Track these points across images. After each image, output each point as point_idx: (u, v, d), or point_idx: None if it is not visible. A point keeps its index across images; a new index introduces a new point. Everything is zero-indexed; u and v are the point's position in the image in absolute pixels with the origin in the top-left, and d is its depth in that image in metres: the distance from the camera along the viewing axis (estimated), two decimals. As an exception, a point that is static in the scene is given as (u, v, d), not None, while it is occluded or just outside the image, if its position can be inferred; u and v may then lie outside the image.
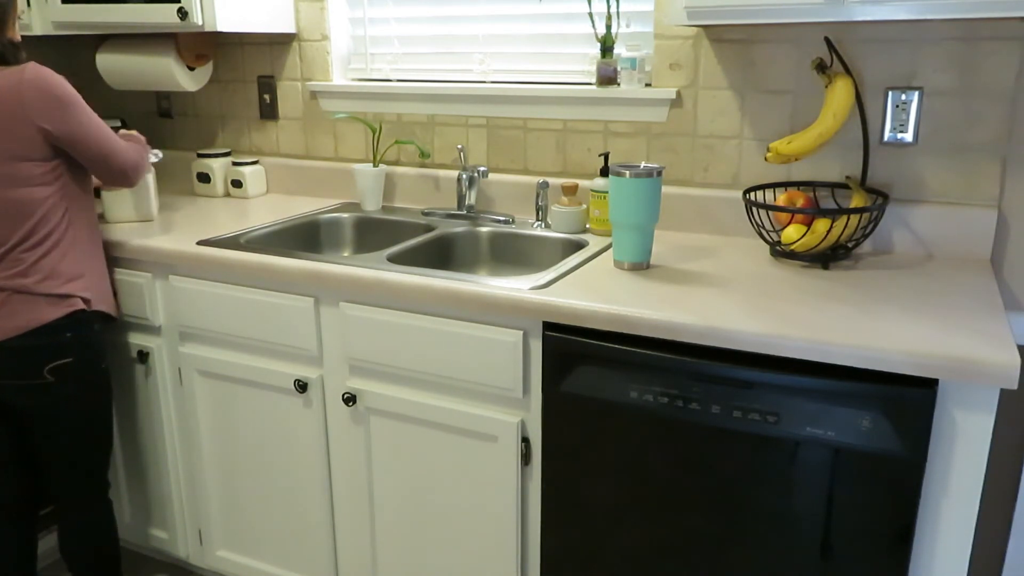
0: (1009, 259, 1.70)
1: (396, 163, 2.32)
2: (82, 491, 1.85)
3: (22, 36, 1.75)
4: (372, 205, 2.25)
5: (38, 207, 1.65)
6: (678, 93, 1.92)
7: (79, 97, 1.68)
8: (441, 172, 2.24)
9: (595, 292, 1.50)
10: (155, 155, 2.06)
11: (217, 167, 2.46)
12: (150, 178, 2.10)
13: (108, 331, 1.98)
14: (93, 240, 1.78)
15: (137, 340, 2.00)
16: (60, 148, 1.67)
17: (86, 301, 1.72)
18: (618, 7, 1.94)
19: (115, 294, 1.94)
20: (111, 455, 1.90)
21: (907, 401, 1.24)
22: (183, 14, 2.04)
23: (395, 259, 1.78)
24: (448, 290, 1.55)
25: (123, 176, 1.79)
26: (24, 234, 1.64)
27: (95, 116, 1.71)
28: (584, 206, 1.97)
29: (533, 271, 1.69)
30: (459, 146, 2.14)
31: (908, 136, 1.73)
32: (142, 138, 1.97)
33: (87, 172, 1.77)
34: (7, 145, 1.61)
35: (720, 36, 1.85)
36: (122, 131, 1.98)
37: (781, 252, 1.71)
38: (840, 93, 1.67)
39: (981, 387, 1.21)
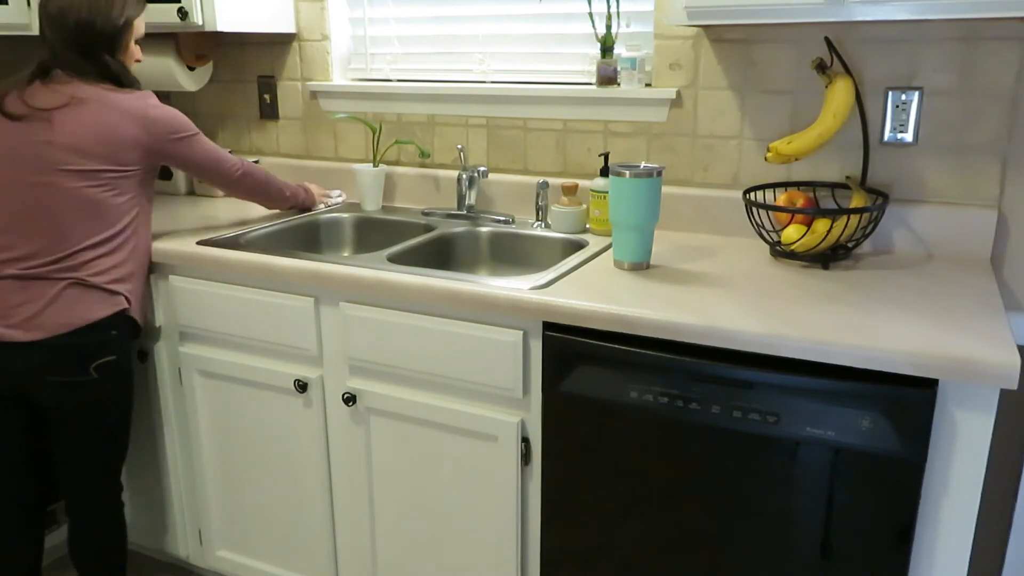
0: (1009, 259, 1.70)
1: (396, 163, 2.32)
2: (100, 492, 1.86)
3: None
4: (372, 205, 2.25)
5: (115, 211, 1.71)
6: (678, 93, 1.92)
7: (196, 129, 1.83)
8: (441, 172, 2.24)
9: (595, 292, 1.50)
10: (337, 195, 2.32)
11: (217, 167, 2.46)
12: None
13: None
14: (146, 250, 1.83)
15: (137, 340, 2.00)
16: (151, 163, 1.77)
17: (129, 302, 1.75)
18: (618, 7, 1.94)
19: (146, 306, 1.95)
20: (126, 452, 1.90)
21: (907, 401, 1.23)
22: (183, 14, 2.04)
23: (395, 259, 1.78)
24: (448, 290, 1.55)
25: (239, 182, 1.95)
26: (96, 235, 1.69)
27: (207, 141, 1.86)
28: (584, 206, 1.97)
29: (533, 271, 1.69)
30: (459, 146, 2.14)
31: (908, 136, 1.73)
32: (314, 190, 2.24)
33: (154, 181, 1.84)
34: (108, 151, 1.67)
35: (720, 36, 1.85)
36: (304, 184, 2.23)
37: (781, 252, 1.71)
38: (840, 93, 1.67)
39: (981, 387, 1.21)
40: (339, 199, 2.31)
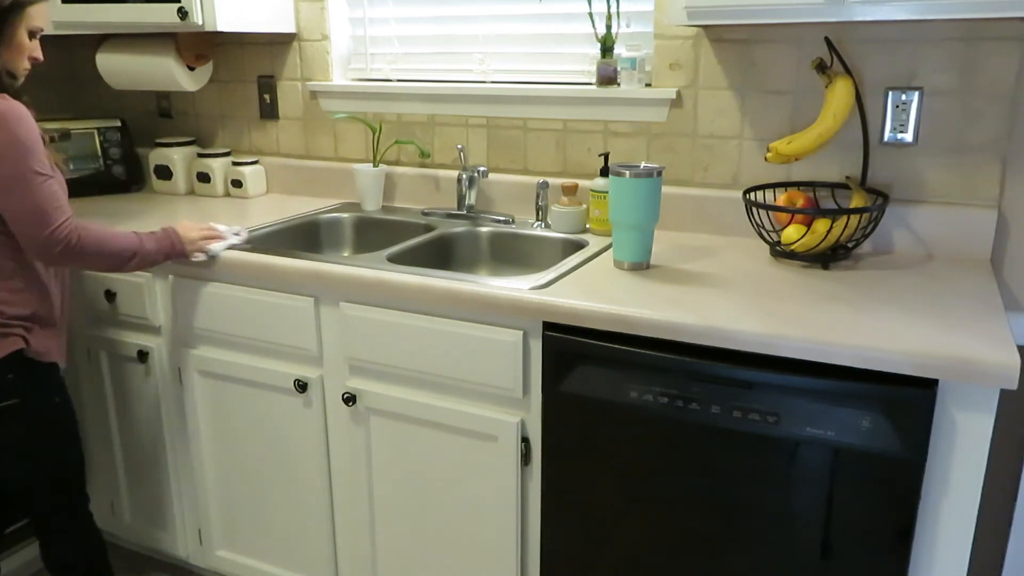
0: (1009, 259, 1.70)
1: (396, 163, 2.32)
2: (58, 511, 1.76)
3: None
4: (372, 205, 2.25)
5: None
6: (678, 93, 1.92)
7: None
8: (441, 172, 2.24)
9: (595, 292, 1.50)
10: (234, 233, 1.84)
11: (217, 167, 2.46)
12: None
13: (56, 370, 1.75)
14: (49, 284, 1.63)
15: (137, 340, 2.00)
16: None
17: (27, 342, 1.59)
18: (618, 7, 1.94)
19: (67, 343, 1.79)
20: (84, 470, 1.79)
21: (907, 401, 1.23)
22: (183, 14, 2.04)
23: (395, 259, 1.78)
24: (448, 290, 1.55)
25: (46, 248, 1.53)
26: None
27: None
28: (584, 206, 1.97)
29: (533, 271, 1.69)
30: (459, 146, 2.14)
31: (908, 136, 1.73)
32: (208, 229, 1.80)
33: None
34: None
35: (720, 36, 1.85)
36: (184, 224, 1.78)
37: (781, 252, 1.71)
38: (840, 93, 1.67)
39: (981, 387, 1.21)
40: (235, 238, 1.83)
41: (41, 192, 1.48)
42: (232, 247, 1.80)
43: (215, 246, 1.78)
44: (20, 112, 1.46)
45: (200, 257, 1.76)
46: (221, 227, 1.84)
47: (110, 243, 1.61)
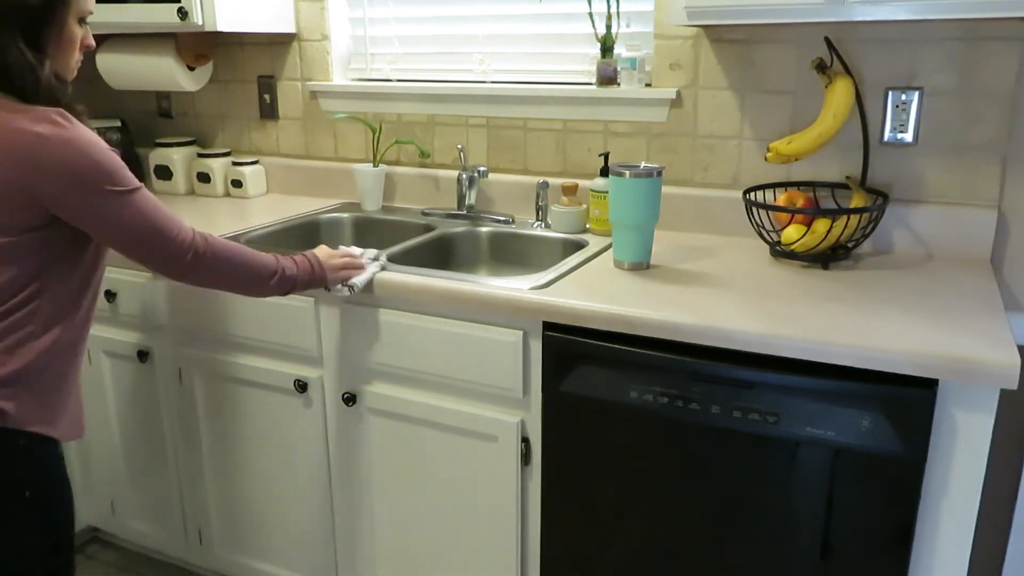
0: (1009, 259, 1.70)
1: (396, 163, 2.32)
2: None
3: None
4: (372, 205, 2.25)
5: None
6: (678, 93, 1.92)
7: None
8: (441, 172, 2.24)
9: (595, 292, 1.50)
10: (350, 287, 1.57)
11: (217, 167, 2.46)
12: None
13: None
14: (64, 341, 1.30)
15: (137, 340, 2.00)
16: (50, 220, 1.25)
17: (4, 415, 1.23)
18: (618, 7, 1.94)
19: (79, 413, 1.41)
20: (72, 556, 1.45)
21: (907, 401, 1.23)
22: (183, 14, 2.04)
23: (395, 259, 1.78)
24: (448, 290, 1.55)
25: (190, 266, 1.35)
26: None
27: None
28: (584, 206, 1.97)
29: (533, 271, 1.69)
30: (459, 146, 2.14)
31: (908, 136, 1.73)
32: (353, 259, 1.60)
33: (75, 256, 1.30)
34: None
35: (720, 36, 1.85)
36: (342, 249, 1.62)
37: (781, 252, 1.71)
38: (840, 93, 1.67)
39: (981, 387, 1.21)
40: (376, 266, 1.63)
41: (145, 205, 1.29)
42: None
43: (359, 279, 1.57)
44: (87, 137, 1.23)
45: (343, 292, 1.56)
46: (357, 251, 1.65)
47: (245, 254, 1.41)
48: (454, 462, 1.67)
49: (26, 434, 1.26)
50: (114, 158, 1.27)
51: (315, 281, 1.52)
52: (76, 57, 1.31)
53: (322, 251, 1.57)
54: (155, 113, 2.67)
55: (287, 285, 1.47)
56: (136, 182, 1.30)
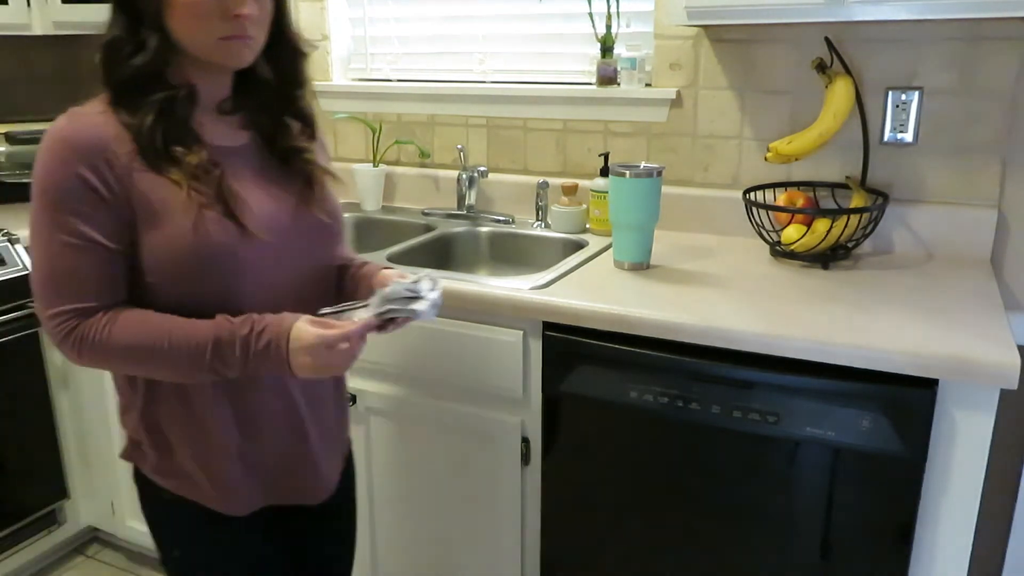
0: (1009, 259, 1.70)
1: (396, 163, 2.32)
2: None
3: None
4: (372, 205, 2.25)
5: None
6: (678, 93, 1.91)
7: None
8: (441, 172, 2.24)
9: (595, 292, 1.50)
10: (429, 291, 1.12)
11: (217, 167, 2.45)
12: None
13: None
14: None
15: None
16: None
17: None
18: (618, 7, 1.94)
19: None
20: None
21: (907, 401, 1.23)
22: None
23: (395, 259, 1.78)
24: (448, 290, 1.55)
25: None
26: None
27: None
28: (584, 206, 1.97)
29: (533, 271, 1.69)
30: (459, 146, 2.14)
31: (908, 136, 1.73)
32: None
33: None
34: None
35: (720, 36, 1.85)
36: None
37: (781, 252, 1.71)
38: (840, 93, 1.67)
39: (981, 387, 1.21)
40: (434, 296, 1.10)
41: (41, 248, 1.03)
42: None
43: (423, 314, 1.08)
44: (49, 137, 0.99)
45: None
46: (411, 277, 1.13)
47: (159, 354, 1.04)
48: (454, 462, 1.67)
49: None
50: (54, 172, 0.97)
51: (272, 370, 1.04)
52: (219, 31, 1.00)
53: (303, 332, 1.02)
54: (155, 113, 2.66)
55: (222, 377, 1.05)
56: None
